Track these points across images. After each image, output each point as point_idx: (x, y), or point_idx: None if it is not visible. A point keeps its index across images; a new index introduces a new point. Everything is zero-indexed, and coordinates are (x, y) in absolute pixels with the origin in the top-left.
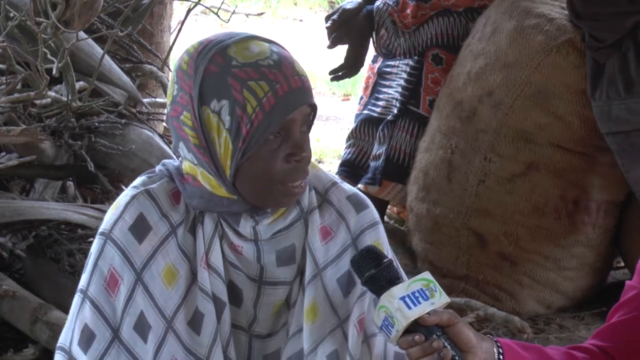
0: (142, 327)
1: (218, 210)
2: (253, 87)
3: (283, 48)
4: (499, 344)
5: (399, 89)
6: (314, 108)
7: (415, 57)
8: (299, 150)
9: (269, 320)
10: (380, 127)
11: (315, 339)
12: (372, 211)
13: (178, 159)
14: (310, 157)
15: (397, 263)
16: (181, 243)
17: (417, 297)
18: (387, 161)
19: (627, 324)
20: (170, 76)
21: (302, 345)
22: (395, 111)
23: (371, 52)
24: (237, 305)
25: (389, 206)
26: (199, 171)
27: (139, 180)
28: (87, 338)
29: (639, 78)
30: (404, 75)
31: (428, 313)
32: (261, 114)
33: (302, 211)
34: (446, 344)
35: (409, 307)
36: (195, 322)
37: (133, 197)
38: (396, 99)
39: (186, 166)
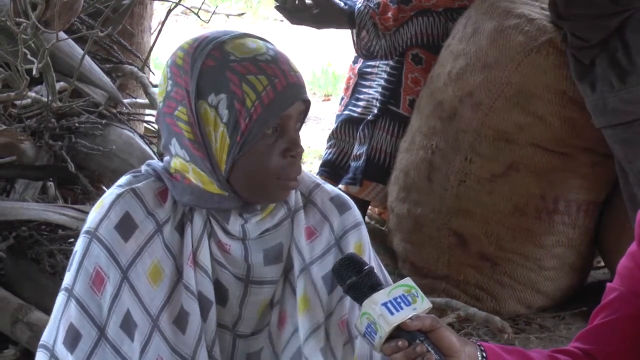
0: (128, 326)
1: (208, 207)
2: (252, 81)
3: (275, 46)
4: (483, 348)
5: (379, 89)
6: (307, 105)
7: (396, 58)
8: (295, 146)
9: (254, 319)
10: (361, 127)
11: (310, 326)
12: (355, 212)
13: (165, 159)
14: (303, 152)
15: (379, 263)
16: (167, 241)
17: (399, 302)
18: (368, 161)
19: (609, 326)
20: (161, 73)
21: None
22: (376, 111)
23: (352, 52)
24: (223, 305)
25: (370, 207)
26: (191, 168)
27: (124, 179)
28: (72, 338)
29: (632, 70)
30: (384, 75)
31: (410, 318)
32: (260, 107)
33: (290, 210)
34: (429, 348)
35: (392, 313)
36: (180, 321)
37: (119, 196)
38: (376, 99)
39: (176, 163)
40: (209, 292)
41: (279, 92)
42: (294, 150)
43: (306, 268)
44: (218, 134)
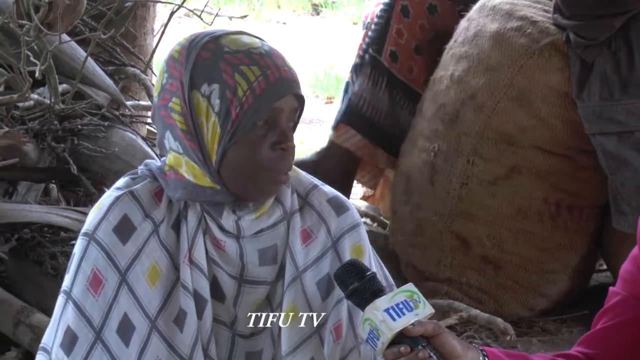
0: (125, 330)
1: (201, 200)
2: (244, 71)
3: (271, 45)
4: (485, 353)
5: (368, 34)
6: (301, 102)
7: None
8: (285, 139)
9: (248, 319)
10: (350, 70)
11: (294, 342)
12: (353, 214)
13: (162, 159)
14: (294, 149)
15: (380, 264)
16: (163, 239)
17: (401, 308)
18: (349, 105)
19: (612, 330)
20: (159, 69)
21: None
22: (362, 53)
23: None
24: (221, 301)
25: (370, 209)
26: (184, 160)
27: (122, 182)
28: (69, 341)
29: (633, 79)
30: (374, 21)
31: (412, 324)
32: (251, 97)
33: (286, 212)
34: (432, 354)
35: (394, 319)
36: (179, 321)
37: (117, 198)
38: (365, 43)
39: (170, 158)
40: (204, 290)
41: (271, 84)
42: (284, 143)
43: (298, 277)
44: (210, 124)
